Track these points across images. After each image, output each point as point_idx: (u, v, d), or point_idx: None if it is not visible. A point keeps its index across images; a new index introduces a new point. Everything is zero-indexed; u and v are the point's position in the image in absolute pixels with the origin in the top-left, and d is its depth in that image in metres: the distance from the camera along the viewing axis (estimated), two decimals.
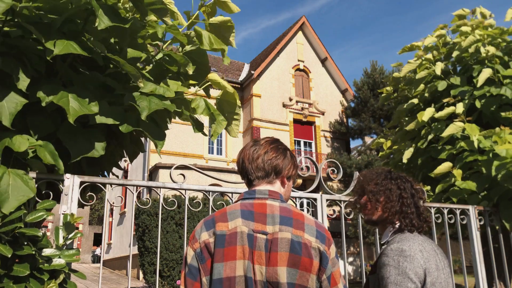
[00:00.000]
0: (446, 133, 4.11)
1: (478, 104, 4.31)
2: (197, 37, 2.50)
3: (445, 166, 4.05)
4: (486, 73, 4.18)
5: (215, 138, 2.50)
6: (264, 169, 1.44)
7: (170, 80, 2.42)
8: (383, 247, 1.72)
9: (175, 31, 2.45)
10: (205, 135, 2.78)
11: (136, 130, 2.61)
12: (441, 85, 4.54)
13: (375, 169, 1.91)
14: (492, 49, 4.25)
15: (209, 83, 2.60)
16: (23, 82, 1.95)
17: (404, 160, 4.57)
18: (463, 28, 4.59)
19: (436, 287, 1.55)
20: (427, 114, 4.35)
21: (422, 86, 4.82)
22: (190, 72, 2.48)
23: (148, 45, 2.68)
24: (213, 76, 2.53)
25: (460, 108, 4.19)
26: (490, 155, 3.77)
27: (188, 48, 2.58)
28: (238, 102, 2.61)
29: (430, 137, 4.37)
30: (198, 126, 2.61)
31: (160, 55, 2.40)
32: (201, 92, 2.65)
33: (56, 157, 1.98)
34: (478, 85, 4.20)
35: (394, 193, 1.76)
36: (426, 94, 4.77)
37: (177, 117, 2.62)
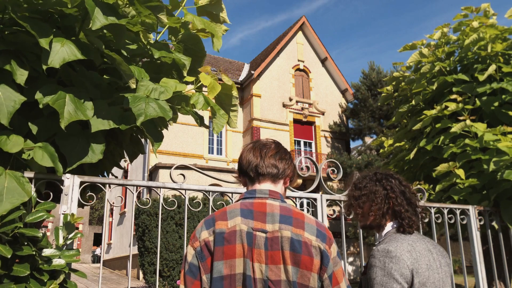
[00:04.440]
0: (454, 129, 4.13)
1: (478, 102, 4.32)
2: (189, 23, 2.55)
3: (447, 165, 4.06)
4: (492, 68, 4.20)
5: (218, 131, 2.54)
6: (277, 166, 1.45)
7: (167, 79, 2.40)
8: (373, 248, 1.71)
9: (169, 19, 2.46)
10: (207, 127, 2.82)
11: (136, 131, 2.60)
12: (447, 79, 4.57)
13: (363, 174, 1.87)
14: (498, 46, 4.26)
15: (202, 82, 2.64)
16: (21, 76, 1.93)
17: (411, 157, 4.60)
18: (474, 24, 4.60)
19: (427, 287, 1.54)
20: (434, 111, 4.44)
21: (424, 83, 4.82)
22: (185, 74, 2.51)
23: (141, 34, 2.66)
24: (204, 76, 2.55)
25: (471, 102, 4.27)
26: (494, 153, 3.78)
27: (181, 35, 2.60)
28: (235, 93, 2.64)
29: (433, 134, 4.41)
30: (200, 120, 2.66)
31: (157, 54, 2.39)
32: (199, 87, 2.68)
33: (55, 159, 1.96)
34: (482, 79, 4.21)
35: (379, 195, 1.73)
36: (428, 89, 4.77)
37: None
